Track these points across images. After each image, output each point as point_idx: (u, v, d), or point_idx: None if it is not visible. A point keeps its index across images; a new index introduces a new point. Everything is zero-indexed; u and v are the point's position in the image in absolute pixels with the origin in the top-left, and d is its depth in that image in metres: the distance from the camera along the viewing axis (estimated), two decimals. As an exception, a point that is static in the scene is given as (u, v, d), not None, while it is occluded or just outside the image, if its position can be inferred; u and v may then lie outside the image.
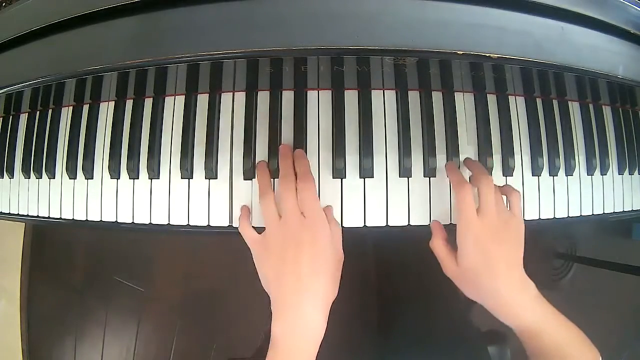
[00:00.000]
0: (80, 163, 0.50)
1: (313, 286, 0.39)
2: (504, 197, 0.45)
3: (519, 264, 0.41)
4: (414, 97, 0.47)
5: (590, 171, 0.51)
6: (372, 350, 0.58)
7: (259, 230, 0.43)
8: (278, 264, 0.40)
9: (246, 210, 0.45)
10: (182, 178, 0.47)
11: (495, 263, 0.40)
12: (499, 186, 0.43)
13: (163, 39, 0.36)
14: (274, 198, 0.42)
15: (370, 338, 0.58)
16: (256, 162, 0.46)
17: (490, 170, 0.47)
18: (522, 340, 0.41)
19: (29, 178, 0.53)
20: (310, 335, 0.38)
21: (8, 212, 0.55)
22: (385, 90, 0.47)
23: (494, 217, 0.40)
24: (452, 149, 0.46)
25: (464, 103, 0.48)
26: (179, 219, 0.47)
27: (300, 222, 0.40)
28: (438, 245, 0.43)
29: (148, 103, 0.49)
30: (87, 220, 0.50)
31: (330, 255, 0.41)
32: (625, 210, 0.53)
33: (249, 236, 0.43)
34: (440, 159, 0.46)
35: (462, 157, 0.47)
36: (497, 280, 0.40)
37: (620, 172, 0.54)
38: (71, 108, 0.52)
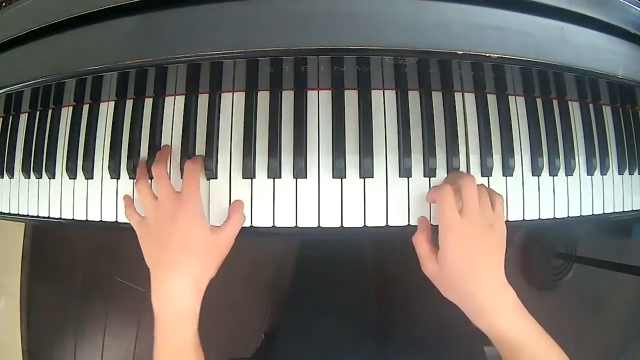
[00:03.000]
0: (80, 163, 0.50)
1: (181, 262, 0.41)
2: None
3: (500, 268, 0.40)
4: (414, 97, 0.47)
5: (590, 171, 0.51)
6: (370, 350, 0.58)
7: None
8: (154, 242, 0.43)
9: (129, 200, 0.48)
10: (182, 178, 0.47)
11: (476, 266, 0.39)
12: (483, 187, 0.43)
13: (163, 39, 0.36)
14: (148, 182, 0.45)
15: (368, 338, 0.58)
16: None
17: (490, 170, 0.47)
18: (498, 349, 0.40)
19: (29, 178, 0.53)
20: (180, 309, 0.41)
21: (8, 212, 0.55)
22: (385, 90, 0.47)
23: (477, 218, 0.40)
24: (452, 149, 0.46)
25: (464, 103, 0.48)
26: (179, 219, 0.47)
27: (174, 200, 0.42)
28: (421, 241, 0.42)
29: (148, 103, 0.49)
30: (87, 220, 0.50)
31: (202, 235, 0.42)
32: (625, 210, 0.53)
33: (133, 219, 0.45)
34: (440, 159, 0.46)
35: (462, 157, 0.47)
36: (476, 284, 0.39)
37: (620, 172, 0.54)
38: (71, 108, 0.52)
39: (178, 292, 0.41)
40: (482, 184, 0.42)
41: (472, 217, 0.40)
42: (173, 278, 0.41)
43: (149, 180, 0.46)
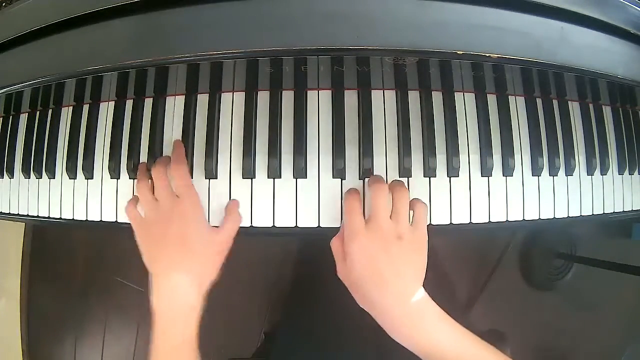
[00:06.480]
0: (80, 163, 0.50)
1: (181, 262, 0.41)
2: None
3: (414, 282, 0.38)
4: (414, 97, 0.47)
5: (590, 171, 0.51)
6: (370, 349, 0.58)
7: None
8: (153, 241, 0.43)
9: (133, 199, 0.47)
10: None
11: (383, 277, 0.37)
12: (404, 195, 0.41)
13: (163, 39, 0.36)
14: (148, 183, 0.44)
15: (368, 338, 0.58)
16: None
17: (490, 170, 0.47)
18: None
19: (29, 178, 0.53)
20: (181, 308, 0.41)
21: (8, 212, 0.55)
22: (385, 90, 0.47)
23: (383, 228, 0.38)
24: (452, 149, 0.46)
25: (464, 103, 0.48)
26: (179, 219, 0.47)
27: (172, 201, 0.42)
28: (337, 245, 0.41)
29: (148, 103, 0.49)
30: (87, 220, 0.50)
31: (203, 235, 0.42)
32: (625, 210, 0.53)
33: (132, 216, 0.45)
34: (440, 159, 0.46)
35: (462, 157, 0.47)
36: (385, 294, 0.37)
37: (620, 172, 0.54)
38: (71, 108, 0.52)
39: (180, 291, 0.41)
40: (403, 191, 0.40)
41: (376, 227, 0.38)
42: (174, 277, 0.41)
43: (149, 182, 0.45)
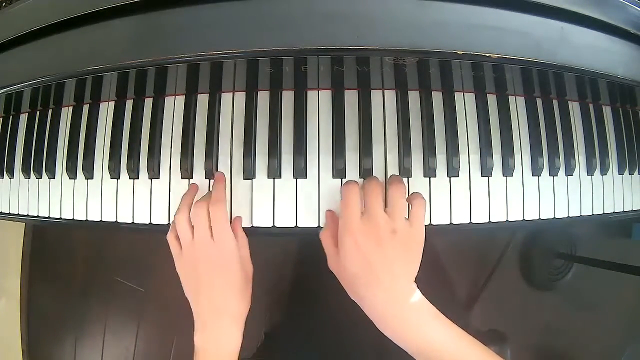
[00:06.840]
0: (80, 163, 0.50)
1: (227, 307, 0.42)
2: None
3: (406, 278, 0.38)
4: (414, 97, 0.47)
5: (590, 171, 0.51)
6: (370, 350, 0.58)
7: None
8: (194, 283, 0.43)
9: (173, 224, 0.45)
10: (182, 178, 0.47)
11: (375, 272, 0.37)
12: (401, 190, 0.40)
13: (163, 39, 0.36)
14: (188, 217, 0.43)
15: (369, 338, 0.58)
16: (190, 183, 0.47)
17: (490, 170, 0.47)
18: (415, 357, 0.38)
19: (29, 178, 0.53)
20: (226, 349, 0.42)
21: (8, 212, 0.55)
22: (385, 90, 0.47)
23: (377, 223, 0.38)
24: (452, 149, 0.46)
25: (464, 103, 0.48)
26: (179, 219, 0.47)
27: (210, 245, 0.42)
28: (326, 237, 0.41)
29: (148, 103, 0.49)
30: (87, 220, 0.50)
31: (240, 274, 0.43)
32: (625, 210, 0.53)
33: (173, 249, 0.45)
34: (440, 159, 0.46)
35: (462, 157, 0.47)
36: (376, 291, 0.37)
37: (620, 172, 0.54)
38: (71, 108, 0.52)
39: (227, 336, 0.42)
40: (399, 185, 0.40)
41: (371, 221, 0.38)
42: (222, 325, 0.42)
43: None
